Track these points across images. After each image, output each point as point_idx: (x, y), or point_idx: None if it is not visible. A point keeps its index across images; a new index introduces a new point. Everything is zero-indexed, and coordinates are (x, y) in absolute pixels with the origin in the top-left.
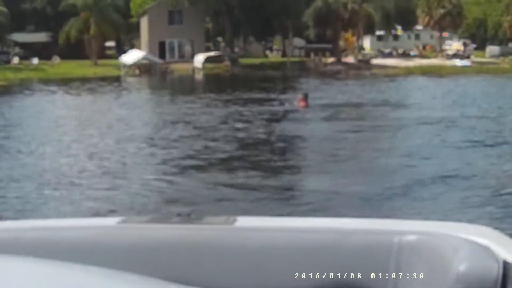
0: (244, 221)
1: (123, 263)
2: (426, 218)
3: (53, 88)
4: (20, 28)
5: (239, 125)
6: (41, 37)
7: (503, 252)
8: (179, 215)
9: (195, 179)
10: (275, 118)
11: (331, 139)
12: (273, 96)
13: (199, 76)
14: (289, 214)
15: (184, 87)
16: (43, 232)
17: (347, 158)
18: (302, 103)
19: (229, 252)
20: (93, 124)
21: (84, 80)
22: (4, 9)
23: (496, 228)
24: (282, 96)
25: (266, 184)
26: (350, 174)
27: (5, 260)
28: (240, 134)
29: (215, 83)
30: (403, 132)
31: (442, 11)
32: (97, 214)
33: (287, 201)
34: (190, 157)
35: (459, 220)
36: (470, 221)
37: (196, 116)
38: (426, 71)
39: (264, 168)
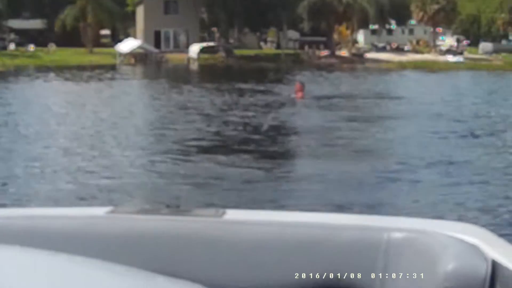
0: (233, 214)
1: (110, 254)
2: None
3: (51, 75)
4: (16, 15)
5: (239, 113)
6: (36, 24)
7: (491, 251)
8: (168, 206)
9: (196, 161)
10: (274, 107)
11: (327, 127)
12: (269, 87)
13: (194, 66)
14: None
15: (180, 76)
16: (30, 220)
17: (341, 144)
18: (299, 94)
19: (217, 245)
20: (100, 111)
21: (80, 68)
22: None
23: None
24: (279, 87)
25: (264, 166)
26: (343, 158)
27: None
28: (241, 121)
29: (211, 74)
30: (393, 122)
31: (436, 6)
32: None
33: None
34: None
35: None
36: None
37: (196, 105)
38: (418, 66)
39: (263, 152)
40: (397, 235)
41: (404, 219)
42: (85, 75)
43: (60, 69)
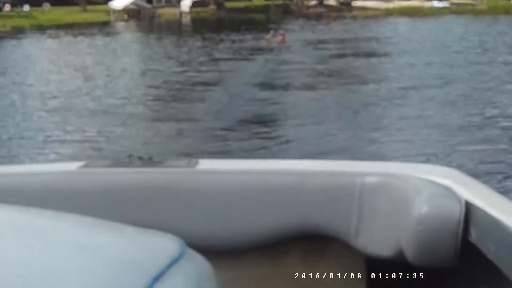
0: (206, 164)
1: (83, 208)
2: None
3: (50, 33)
4: None
5: (228, 55)
6: None
7: (465, 192)
8: (140, 158)
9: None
10: (259, 51)
11: (307, 62)
12: (259, 35)
13: (186, 20)
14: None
15: (175, 29)
16: (1, 178)
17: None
18: (281, 39)
19: (190, 195)
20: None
21: (76, 25)
22: None
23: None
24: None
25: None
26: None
27: None
28: (232, 60)
29: (203, 26)
30: (376, 57)
31: None
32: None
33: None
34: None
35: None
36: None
37: (194, 51)
38: (404, 12)
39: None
40: (370, 179)
41: (377, 163)
42: (83, 32)
43: (57, 28)
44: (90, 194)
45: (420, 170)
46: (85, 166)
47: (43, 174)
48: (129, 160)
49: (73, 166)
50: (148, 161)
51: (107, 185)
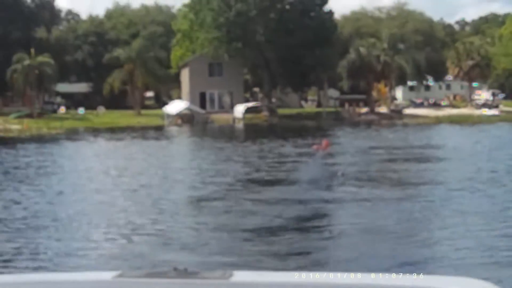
0: (240, 276)
1: None
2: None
3: (107, 136)
4: (62, 79)
5: (281, 159)
6: (82, 87)
7: None
8: (175, 269)
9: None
10: (310, 155)
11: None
12: (310, 142)
13: (239, 125)
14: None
15: (230, 135)
16: (39, 286)
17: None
18: (326, 145)
19: None
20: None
21: (130, 129)
22: (51, 61)
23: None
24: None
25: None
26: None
27: None
28: (285, 164)
29: (257, 132)
30: (423, 162)
31: (470, 62)
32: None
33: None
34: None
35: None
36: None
37: (254, 157)
38: (454, 120)
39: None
40: None
41: (412, 276)
42: (139, 135)
43: (111, 131)
44: None
45: (456, 283)
46: (120, 275)
47: (78, 282)
48: (164, 270)
49: (108, 275)
50: (183, 272)
51: None
